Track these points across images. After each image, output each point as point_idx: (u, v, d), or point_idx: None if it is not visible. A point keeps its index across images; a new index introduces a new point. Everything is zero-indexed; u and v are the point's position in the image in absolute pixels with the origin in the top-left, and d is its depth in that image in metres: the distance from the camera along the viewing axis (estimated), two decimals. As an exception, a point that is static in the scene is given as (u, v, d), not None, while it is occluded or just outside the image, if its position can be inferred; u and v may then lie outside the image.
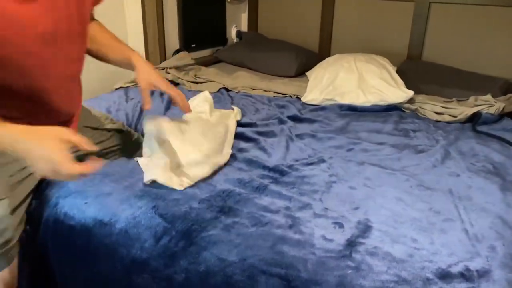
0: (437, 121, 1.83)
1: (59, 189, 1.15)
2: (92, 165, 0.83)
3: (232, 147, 1.40)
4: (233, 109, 1.72)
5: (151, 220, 1.02)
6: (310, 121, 1.76)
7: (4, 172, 1.01)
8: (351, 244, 0.96)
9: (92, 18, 1.16)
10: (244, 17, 3.13)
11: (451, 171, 1.33)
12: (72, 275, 1.06)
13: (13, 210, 1.02)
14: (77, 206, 1.08)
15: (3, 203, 0.97)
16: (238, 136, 1.52)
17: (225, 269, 0.92)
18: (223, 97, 2.02)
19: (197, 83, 2.22)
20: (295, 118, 1.77)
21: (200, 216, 1.03)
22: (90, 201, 1.08)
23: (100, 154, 1.27)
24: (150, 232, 1.00)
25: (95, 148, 0.88)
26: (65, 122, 1.10)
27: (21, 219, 1.06)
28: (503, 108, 1.82)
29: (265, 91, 2.14)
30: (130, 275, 1.01)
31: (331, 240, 0.97)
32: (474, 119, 1.79)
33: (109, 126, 1.38)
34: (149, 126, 1.26)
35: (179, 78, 2.20)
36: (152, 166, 1.17)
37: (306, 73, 2.42)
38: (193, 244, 0.97)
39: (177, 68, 2.28)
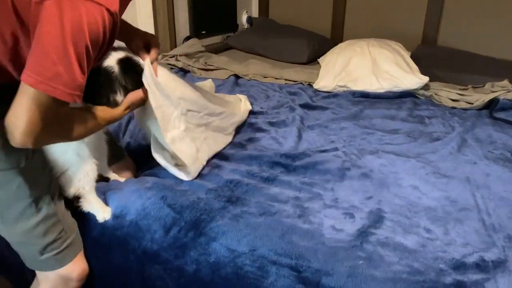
0: (453, 107, 1.78)
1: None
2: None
3: (242, 136, 1.39)
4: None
5: (160, 210, 1.01)
6: (322, 108, 1.74)
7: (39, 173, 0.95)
8: (362, 234, 0.94)
9: None
10: (254, 3, 3.08)
11: (468, 159, 1.30)
12: (88, 266, 1.07)
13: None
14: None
15: (45, 198, 0.94)
16: (248, 125, 1.50)
17: (235, 260, 0.92)
18: (234, 85, 2.00)
19: (207, 70, 2.20)
20: (306, 106, 1.75)
21: (208, 206, 1.02)
22: (105, 194, 1.08)
23: None
24: (160, 223, 1.00)
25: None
26: None
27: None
28: (522, 93, 1.77)
29: (277, 78, 2.11)
30: (142, 266, 1.01)
31: (341, 230, 0.95)
32: (491, 106, 1.74)
33: None
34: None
35: (189, 65, 2.19)
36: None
37: (318, 59, 2.39)
38: (202, 235, 0.96)
39: (187, 55, 2.26)
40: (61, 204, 1.00)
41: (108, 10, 0.75)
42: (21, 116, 0.75)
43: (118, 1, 0.79)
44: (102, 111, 0.95)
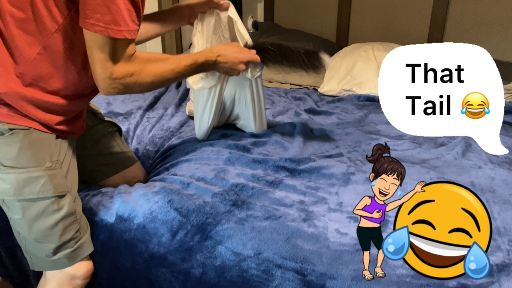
0: (458, 110, 1.78)
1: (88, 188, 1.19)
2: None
3: (247, 140, 1.40)
4: None
5: (167, 214, 1.03)
6: (327, 113, 1.74)
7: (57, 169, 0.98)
8: (366, 238, 0.95)
9: None
10: (260, 7, 3.10)
11: (472, 163, 1.30)
12: (96, 270, 1.09)
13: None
14: (103, 203, 1.11)
15: (67, 197, 0.97)
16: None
17: (240, 263, 0.93)
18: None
19: (213, 75, 2.21)
20: (311, 111, 1.75)
21: (214, 209, 1.04)
22: (114, 198, 1.11)
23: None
24: (167, 226, 1.01)
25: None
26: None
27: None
28: (528, 97, 1.77)
29: (282, 83, 2.13)
30: (149, 269, 1.03)
31: (345, 234, 0.96)
32: (497, 108, 1.73)
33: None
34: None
35: (195, 71, 2.20)
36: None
37: (323, 63, 2.39)
38: (208, 238, 0.98)
39: (194, 61, 2.28)
40: (79, 204, 1.03)
41: None
42: (94, 65, 0.83)
43: None
44: (185, 57, 1.03)
